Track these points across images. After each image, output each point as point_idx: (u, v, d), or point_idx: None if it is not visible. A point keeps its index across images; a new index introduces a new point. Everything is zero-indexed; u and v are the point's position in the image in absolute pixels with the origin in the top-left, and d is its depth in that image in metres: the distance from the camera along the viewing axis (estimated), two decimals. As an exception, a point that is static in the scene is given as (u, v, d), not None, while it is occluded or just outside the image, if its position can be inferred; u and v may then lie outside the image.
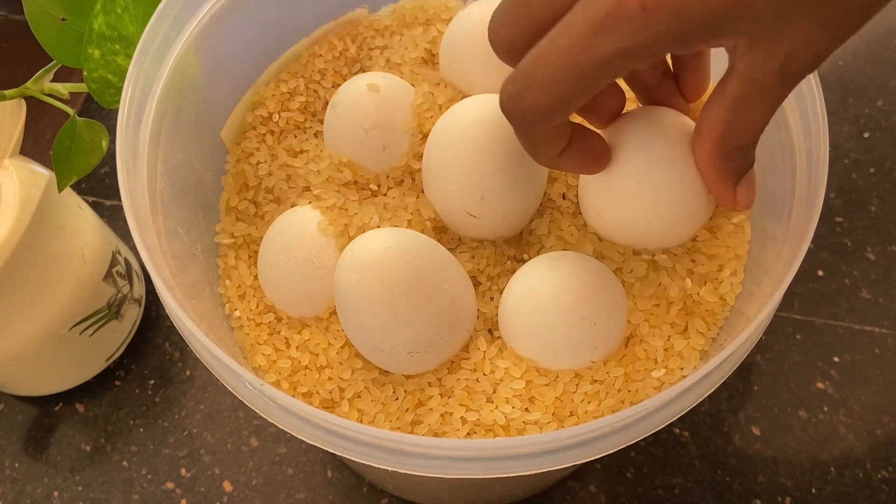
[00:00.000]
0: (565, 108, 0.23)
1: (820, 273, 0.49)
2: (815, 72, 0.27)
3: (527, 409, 0.27)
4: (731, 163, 0.25)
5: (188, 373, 0.46)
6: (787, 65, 0.21)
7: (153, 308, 0.48)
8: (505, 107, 0.23)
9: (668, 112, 0.29)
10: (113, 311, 0.43)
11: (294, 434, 0.23)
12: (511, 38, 0.23)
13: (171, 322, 0.47)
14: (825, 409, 0.45)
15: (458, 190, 0.30)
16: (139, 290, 0.46)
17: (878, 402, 0.45)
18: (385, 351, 0.28)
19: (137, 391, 0.46)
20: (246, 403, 0.24)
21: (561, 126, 0.24)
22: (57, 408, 0.45)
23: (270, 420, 0.24)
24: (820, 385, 0.45)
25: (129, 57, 0.32)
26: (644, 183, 0.28)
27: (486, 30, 0.32)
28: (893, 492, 0.42)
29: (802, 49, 0.21)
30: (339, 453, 0.23)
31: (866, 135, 0.54)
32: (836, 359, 0.46)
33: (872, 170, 0.52)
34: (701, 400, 0.24)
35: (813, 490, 0.42)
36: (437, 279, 0.28)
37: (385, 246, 0.27)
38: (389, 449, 0.23)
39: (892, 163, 0.53)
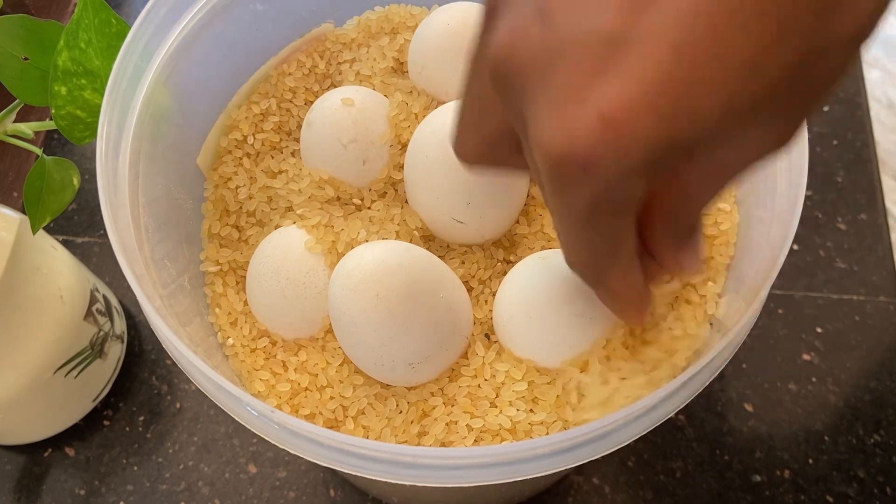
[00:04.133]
0: (604, 259, 0.21)
1: (795, 247, 0.50)
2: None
3: (531, 411, 0.27)
4: (673, 236, 0.23)
5: (177, 405, 0.45)
6: (760, 149, 0.18)
7: (136, 343, 0.47)
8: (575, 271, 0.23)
9: None
10: (96, 350, 0.42)
11: (310, 459, 0.23)
12: (476, 152, 0.22)
13: (156, 356, 0.47)
14: (813, 379, 0.46)
15: (443, 197, 0.30)
16: (120, 326, 0.45)
17: (864, 368, 0.46)
18: (386, 365, 0.28)
19: (128, 429, 0.45)
20: (256, 433, 0.24)
21: (628, 262, 0.22)
22: (46, 454, 0.44)
23: (282, 447, 0.23)
24: (806, 357, 0.46)
25: (97, 91, 0.31)
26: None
27: (453, 34, 0.32)
28: (887, 454, 0.43)
29: (774, 135, 0.18)
30: (357, 473, 0.23)
31: (826, 108, 0.55)
32: (818, 329, 0.47)
33: (835, 142, 0.53)
34: (708, 383, 0.24)
35: (810, 461, 0.43)
36: (433, 288, 0.27)
37: (378, 260, 0.27)
38: (406, 464, 0.22)
39: (853, 133, 0.54)
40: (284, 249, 0.30)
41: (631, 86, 0.15)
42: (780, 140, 0.18)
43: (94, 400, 0.44)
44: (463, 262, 0.31)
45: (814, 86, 0.17)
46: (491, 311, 0.30)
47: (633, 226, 0.21)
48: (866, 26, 0.16)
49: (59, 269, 0.39)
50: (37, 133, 0.34)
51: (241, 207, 0.33)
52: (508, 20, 0.17)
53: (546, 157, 0.17)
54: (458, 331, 0.28)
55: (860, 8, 0.15)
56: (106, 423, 0.45)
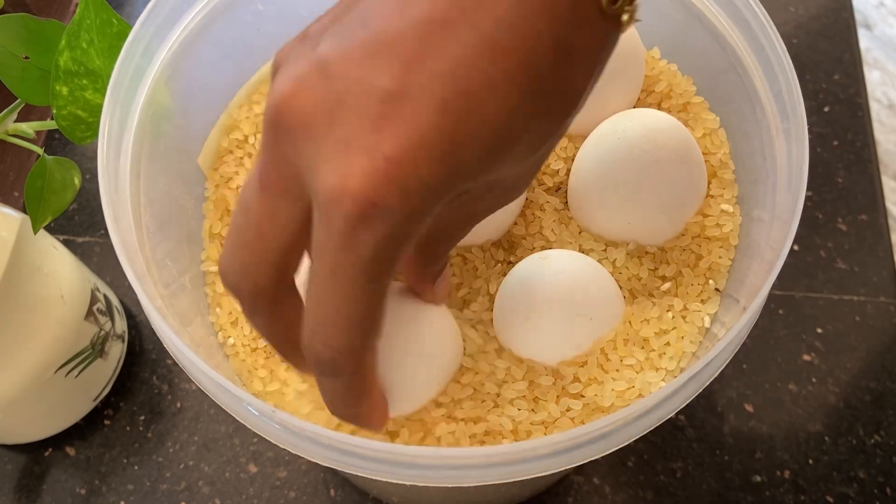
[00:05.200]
0: (371, 324, 0.21)
1: (795, 247, 0.50)
2: (785, 48, 0.28)
3: (532, 410, 0.27)
4: (430, 268, 0.26)
5: (178, 405, 0.45)
6: (501, 197, 0.23)
7: (136, 343, 0.47)
8: (325, 366, 0.21)
9: (659, 115, 0.29)
10: (97, 349, 0.42)
11: (310, 458, 0.23)
12: (258, 285, 0.21)
13: (157, 355, 0.47)
14: (813, 380, 0.46)
15: None
16: (121, 325, 0.45)
17: (864, 369, 0.46)
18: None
19: (128, 428, 0.45)
20: (257, 432, 0.24)
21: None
22: (47, 453, 0.44)
23: (283, 446, 0.23)
24: (806, 357, 0.46)
25: (98, 91, 0.31)
26: (625, 182, 0.29)
27: None
28: (888, 455, 0.43)
29: (515, 181, 0.22)
30: (357, 473, 0.23)
31: (826, 108, 0.55)
32: (819, 330, 0.47)
33: (836, 142, 0.53)
34: (708, 383, 0.24)
35: (810, 461, 0.43)
36: (426, 333, 0.27)
37: None
38: (406, 464, 0.22)
39: (853, 134, 0.54)
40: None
41: (410, 133, 0.18)
42: (527, 175, 0.22)
43: (94, 399, 0.44)
44: (464, 262, 0.31)
45: (551, 142, 0.20)
46: (491, 311, 0.30)
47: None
48: (578, 100, 0.20)
49: (59, 268, 0.39)
50: (38, 133, 0.34)
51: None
52: (290, 71, 0.19)
53: (340, 196, 0.18)
54: (453, 362, 0.28)
55: (580, 80, 0.19)
56: (106, 422, 0.45)
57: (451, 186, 0.19)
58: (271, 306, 0.22)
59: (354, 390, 0.22)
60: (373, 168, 0.18)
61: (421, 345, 0.27)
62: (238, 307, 0.31)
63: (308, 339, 0.21)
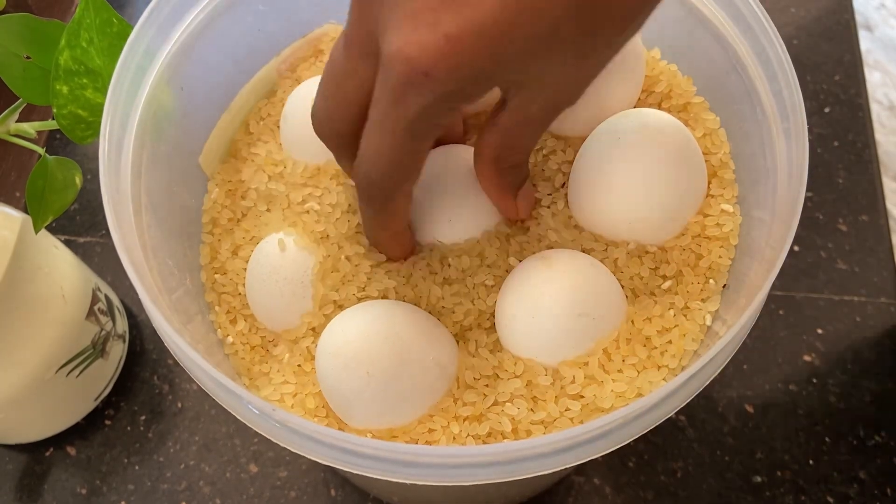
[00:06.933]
0: (404, 172, 0.25)
1: (796, 248, 0.50)
2: (786, 49, 0.28)
3: (532, 410, 0.27)
4: (508, 179, 0.28)
5: (179, 405, 0.45)
6: (552, 99, 0.24)
7: (137, 342, 0.47)
8: (363, 192, 0.26)
9: (660, 115, 0.29)
10: (98, 349, 0.42)
11: (310, 457, 0.23)
12: (337, 129, 0.25)
13: (157, 355, 0.47)
14: (814, 380, 0.46)
15: (426, 216, 0.30)
16: (122, 325, 0.45)
17: (864, 369, 0.46)
18: (381, 425, 0.27)
19: (129, 428, 0.45)
20: (258, 431, 0.24)
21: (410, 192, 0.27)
22: (48, 453, 0.44)
23: (283, 444, 0.23)
24: (807, 357, 0.46)
25: (98, 90, 0.31)
26: (627, 182, 0.29)
27: None
28: (888, 456, 0.43)
29: (564, 86, 0.23)
30: (357, 471, 0.23)
31: (827, 109, 0.55)
32: (819, 330, 0.47)
33: (836, 143, 0.53)
34: (708, 383, 0.24)
35: (811, 462, 0.43)
36: (423, 350, 0.27)
37: (364, 335, 0.27)
38: (407, 462, 0.22)
39: (854, 134, 0.54)
40: (281, 250, 0.30)
41: (472, 19, 0.20)
42: (578, 82, 0.23)
43: (95, 399, 0.44)
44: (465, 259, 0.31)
45: (597, 26, 0.21)
46: (492, 310, 0.30)
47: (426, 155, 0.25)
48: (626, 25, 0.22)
49: (60, 268, 0.39)
50: (39, 133, 0.34)
51: (242, 206, 0.33)
52: None
53: (399, 60, 0.21)
54: (449, 379, 0.28)
55: None
56: (107, 422, 0.45)
57: (493, 74, 0.21)
58: (349, 150, 0.25)
59: (381, 222, 0.27)
60: (432, 42, 0.20)
61: (421, 359, 0.27)
62: (238, 307, 0.31)
63: (355, 169, 0.25)
